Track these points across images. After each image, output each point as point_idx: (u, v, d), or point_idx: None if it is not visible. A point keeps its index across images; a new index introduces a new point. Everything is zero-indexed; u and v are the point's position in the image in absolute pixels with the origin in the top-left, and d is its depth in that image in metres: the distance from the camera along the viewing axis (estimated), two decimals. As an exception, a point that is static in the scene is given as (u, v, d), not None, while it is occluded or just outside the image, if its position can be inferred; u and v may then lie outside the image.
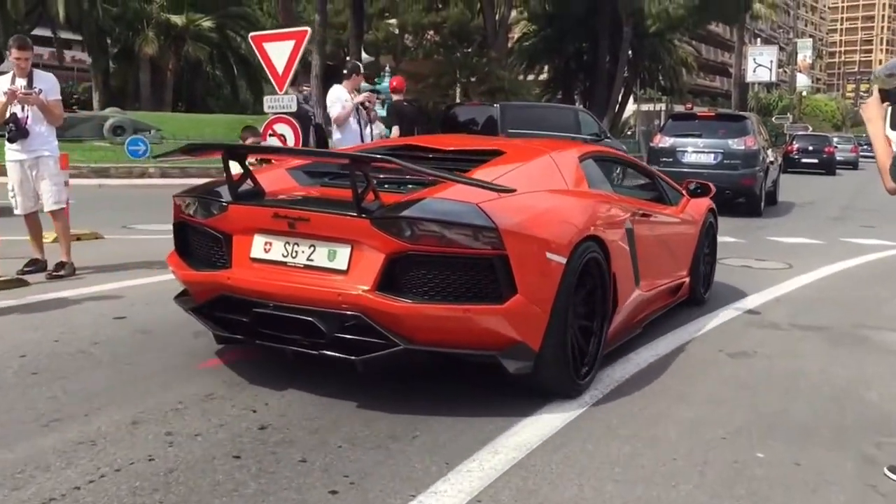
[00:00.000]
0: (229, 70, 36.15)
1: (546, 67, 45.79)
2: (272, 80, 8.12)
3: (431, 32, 47.82)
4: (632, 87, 45.03)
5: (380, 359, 3.49)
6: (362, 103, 8.58)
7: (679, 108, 44.05)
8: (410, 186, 4.03)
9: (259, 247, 3.77)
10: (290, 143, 8.03)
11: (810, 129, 49.07)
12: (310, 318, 3.53)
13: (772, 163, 14.91)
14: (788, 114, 58.09)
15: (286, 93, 8.07)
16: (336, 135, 8.59)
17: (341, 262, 3.55)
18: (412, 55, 46.76)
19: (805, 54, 64.98)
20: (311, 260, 3.63)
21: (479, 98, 27.01)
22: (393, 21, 46.21)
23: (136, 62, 31.21)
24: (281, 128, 8.05)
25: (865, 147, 44.66)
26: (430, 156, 4.64)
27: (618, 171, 5.92)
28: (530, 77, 45.36)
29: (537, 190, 4.06)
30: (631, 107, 50.04)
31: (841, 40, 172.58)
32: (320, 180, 4.31)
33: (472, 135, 7.01)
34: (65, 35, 29.98)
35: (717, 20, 45.67)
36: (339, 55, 40.50)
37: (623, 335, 4.60)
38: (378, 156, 3.95)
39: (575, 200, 4.23)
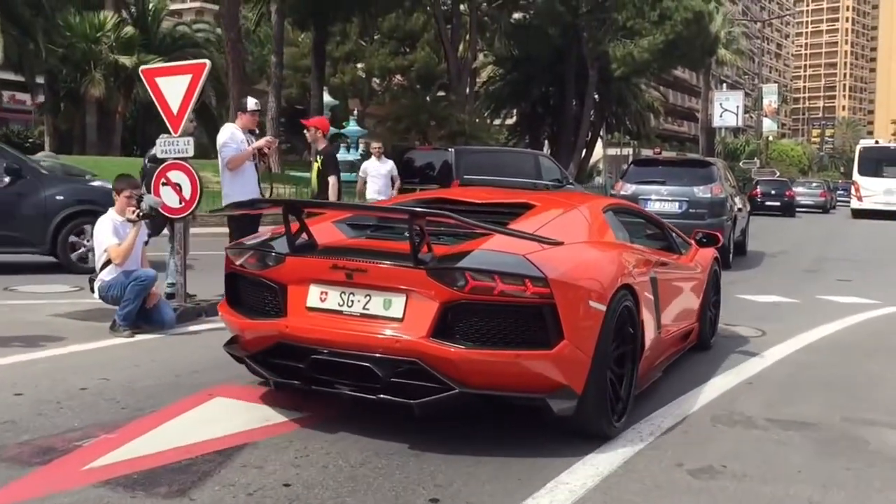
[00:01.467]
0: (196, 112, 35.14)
1: (513, 112, 45.26)
2: (165, 120, 7.00)
3: (399, 76, 47.33)
4: (599, 132, 44.55)
5: (436, 402, 3.68)
6: (261, 149, 7.48)
7: (647, 153, 43.74)
8: (450, 238, 4.20)
9: (315, 296, 3.98)
10: (187, 192, 6.88)
11: (777, 173, 48.93)
12: (367, 364, 3.74)
13: (740, 210, 14.06)
14: (756, 158, 58.13)
15: (183, 134, 6.94)
16: (227, 181, 7.41)
17: (397, 310, 3.78)
18: (379, 99, 46.13)
19: (770, 99, 65.36)
20: (367, 308, 3.84)
21: (437, 142, 26.14)
22: (360, 65, 45.66)
23: (81, 105, 29.97)
24: (176, 175, 6.91)
25: (842, 192, 44.44)
26: (463, 209, 4.73)
27: (632, 222, 5.85)
28: (496, 121, 44.78)
29: (573, 241, 4.31)
30: (599, 151, 49.61)
31: (804, 86, 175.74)
32: (363, 232, 4.52)
33: (496, 188, 7.05)
34: (3, 76, 28.71)
35: (681, 65, 45.50)
36: (305, 99, 39.69)
37: (647, 379, 4.79)
38: (435, 211, 4.11)
39: (609, 251, 4.52)
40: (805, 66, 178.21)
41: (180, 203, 6.94)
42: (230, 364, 5.27)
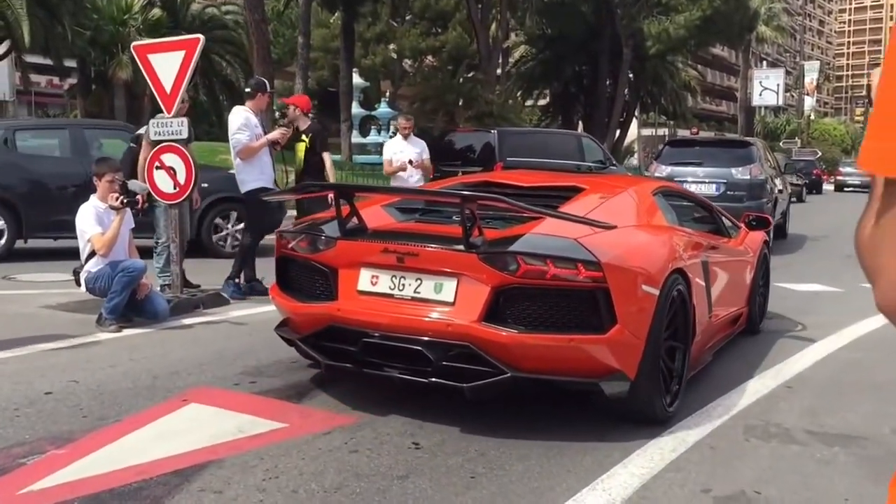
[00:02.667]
0: (213, 95, 34.74)
1: (546, 92, 44.33)
2: (158, 99, 6.58)
3: (430, 57, 46.63)
4: (633, 111, 43.48)
5: (488, 386, 3.66)
6: (277, 140, 7.09)
7: (683, 133, 42.65)
8: (499, 222, 4.21)
9: (366, 280, 3.97)
10: (182, 176, 6.47)
11: (819, 154, 47.57)
12: (418, 347, 3.73)
13: (780, 192, 13.35)
14: (796, 138, 56.58)
15: (176, 115, 6.51)
16: (242, 167, 7.03)
17: (448, 294, 3.76)
18: (411, 80, 45.51)
19: (812, 77, 63.53)
20: (418, 292, 3.83)
21: (465, 123, 25.55)
22: (391, 46, 45.09)
23: (110, 88, 29.81)
24: (170, 159, 6.49)
25: None
26: (511, 193, 4.63)
27: (681, 205, 5.75)
28: (529, 102, 43.91)
29: (625, 225, 4.23)
30: (634, 131, 48.52)
31: (847, 64, 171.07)
32: (412, 216, 4.54)
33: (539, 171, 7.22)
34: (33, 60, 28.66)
35: (719, 42, 44.15)
36: (336, 81, 39.19)
37: (698, 364, 4.70)
38: (487, 194, 4.16)
39: (660, 235, 4.48)
40: (848, 42, 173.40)
41: (175, 188, 6.53)
42: (216, 362, 4.91)
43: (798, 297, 8.05)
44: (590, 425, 3.95)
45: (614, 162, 16.36)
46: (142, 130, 7.26)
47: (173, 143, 6.49)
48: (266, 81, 7.26)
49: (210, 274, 7.53)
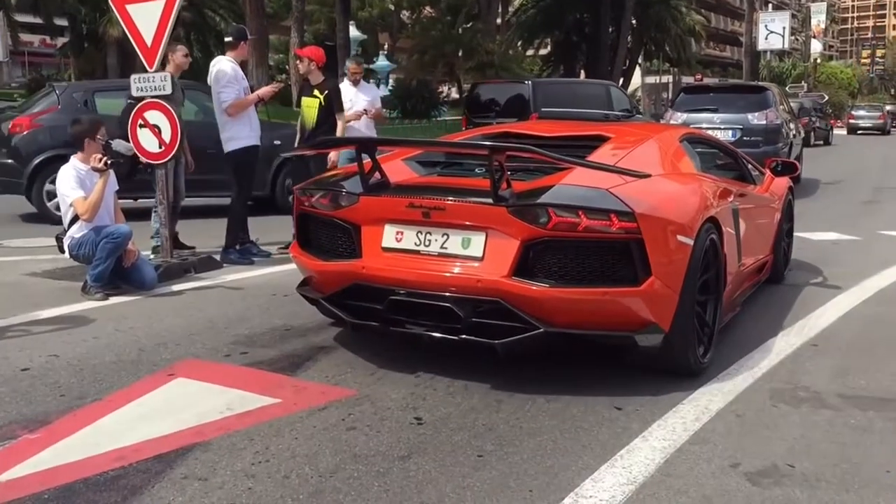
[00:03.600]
0: (208, 51, 34.08)
1: (546, 41, 43.38)
2: (139, 52, 6.20)
3: (428, 7, 45.67)
4: (637, 59, 42.62)
5: (520, 342, 3.56)
6: (262, 98, 6.72)
7: (688, 80, 41.81)
8: (522, 173, 4.03)
9: (390, 236, 3.84)
10: (167, 135, 6.12)
11: (826, 98, 46.81)
12: (447, 304, 3.62)
13: (794, 137, 13.47)
14: (803, 82, 55.64)
15: (158, 69, 6.15)
16: (230, 124, 6.67)
17: (476, 249, 3.65)
18: (409, 32, 44.63)
19: (819, 19, 62.33)
20: (445, 248, 3.72)
21: (465, 74, 25.00)
22: (389, -3, 44.20)
23: (102, 46, 29.20)
24: (154, 116, 6.14)
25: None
26: (534, 143, 4.33)
27: (706, 152, 5.57)
28: (530, 52, 43.05)
29: (654, 174, 4.09)
30: (637, 79, 47.67)
31: (853, 5, 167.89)
32: (434, 170, 4.41)
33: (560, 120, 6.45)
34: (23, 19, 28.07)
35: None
36: (334, 35, 38.39)
37: (727, 314, 4.57)
38: (516, 145, 4.08)
39: (692, 183, 4.34)
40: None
41: (160, 147, 6.18)
42: (206, 332, 4.65)
43: (815, 248, 7.73)
44: (605, 394, 3.68)
45: (640, 110, 16.27)
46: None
47: (157, 100, 6.13)
48: (246, 28, 6.85)
49: (280, 232, 7.51)
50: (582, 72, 42.25)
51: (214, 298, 5.59)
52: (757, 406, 3.55)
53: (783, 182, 6.33)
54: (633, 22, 37.88)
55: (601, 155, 4.26)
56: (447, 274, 3.67)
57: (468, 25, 33.67)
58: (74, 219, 5.57)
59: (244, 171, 6.80)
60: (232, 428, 3.25)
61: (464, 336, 3.64)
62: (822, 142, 30.39)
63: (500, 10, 36.54)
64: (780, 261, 6.13)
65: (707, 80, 40.77)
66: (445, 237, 3.73)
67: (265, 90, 6.74)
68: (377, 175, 4.00)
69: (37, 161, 9.09)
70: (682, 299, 3.68)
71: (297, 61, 7.51)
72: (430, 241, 3.77)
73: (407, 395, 3.65)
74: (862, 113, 41.99)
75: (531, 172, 4.06)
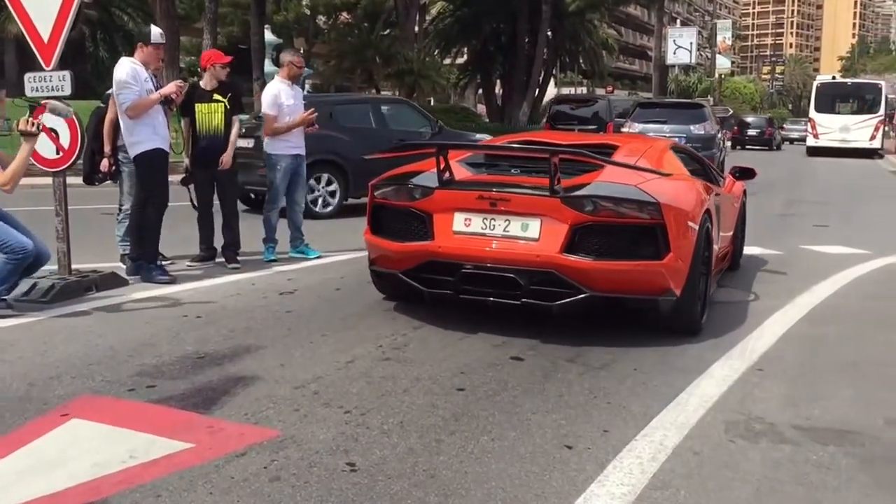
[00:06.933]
0: (115, 51, 32.69)
1: (464, 50, 43.39)
2: (35, 49, 5.64)
3: (345, 13, 45.06)
4: (552, 70, 43.09)
5: (571, 304, 4.56)
6: (167, 97, 6.20)
7: (600, 92, 42.49)
8: (562, 173, 4.72)
9: (460, 222, 4.76)
10: (65, 140, 5.58)
11: (731, 111, 48.35)
12: (511, 275, 4.58)
13: (722, 144, 17.39)
14: (709, 96, 57.41)
15: (56, 68, 5.60)
16: (131, 127, 6.13)
17: (533, 231, 4.60)
18: (325, 37, 43.91)
19: (725, 36, 64.50)
20: (507, 231, 4.66)
21: (384, 81, 24.64)
22: (304, 1, 43.38)
23: (0, 43, 27.56)
24: (51, 120, 5.57)
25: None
26: (553, 149, 4.96)
27: (685, 158, 6.32)
28: (447, 60, 42.97)
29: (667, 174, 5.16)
30: (552, 90, 48.21)
31: (753, 24, 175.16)
32: (481, 169, 5.29)
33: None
34: None
35: (637, -1, 44.00)
36: (248, 38, 37.37)
37: (712, 288, 5.63)
38: (572, 149, 5.10)
39: (692, 182, 5.36)
40: (754, 3, 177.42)
41: (58, 153, 5.63)
42: (107, 361, 4.18)
43: (742, 262, 7.69)
44: (552, 429, 3.40)
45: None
46: (110, 91, 6.41)
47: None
48: (150, 32, 6.31)
49: (188, 245, 7.15)
50: (498, 81, 42.51)
51: (117, 322, 5.08)
52: (714, 441, 3.33)
53: (740, 185, 7.40)
54: (549, 34, 38.24)
55: (621, 159, 5.18)
56: (511, 251, 4.60)
57: (386, 32, 33.28)
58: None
59: (152, 177, 6.23)
60: (135, 482, 2.82)
61: (524, 300, 4.59)
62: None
63: (417, 17, 36.26)
64: (738, 252, 7.28)
65: (617, 93, 41.69)
66: (507, 222, 4.66)
67: (168, 88, 6.22)
68: (447, 173, 4.83)
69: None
70: (690, 271, 4.74)
71: (212, 69, 6.94)
72: (494, 225, 4.69)
73: (336, 435, 3.28)
74: (791, 126, 44.45)
75: (567, 172, 4.80)
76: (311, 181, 9.98)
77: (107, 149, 6.51)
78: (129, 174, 6.48)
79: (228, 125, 6.79)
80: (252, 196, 10.68)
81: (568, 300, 4.52)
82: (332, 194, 10.53)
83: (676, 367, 4.34)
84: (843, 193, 15.94)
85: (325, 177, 10.44)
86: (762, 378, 4.20)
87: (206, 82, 6.86)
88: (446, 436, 3.30)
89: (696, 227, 4.80)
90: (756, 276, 7.08)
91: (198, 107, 6.75)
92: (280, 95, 7.24)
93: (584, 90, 51.42)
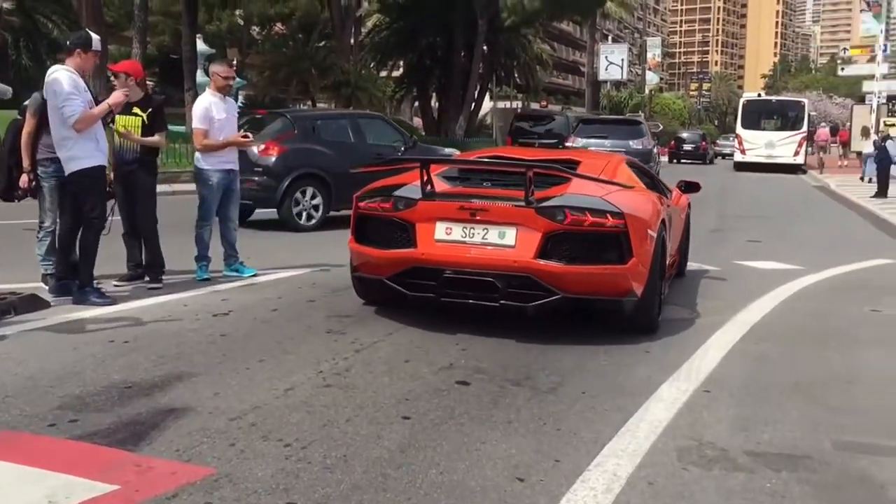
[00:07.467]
0: (39, 59, 31.56)
1: (400, 63, 43.33)
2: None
3: (279, 24, 44.52)
4: (488, 84, 43.36)
5: (544, 305, 5.01)
6: (113, 109, 5.90)
7: (535, 106, 42.89)
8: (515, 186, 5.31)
9: (441, 231, 5.15)
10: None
11: (661, 127, 49.33)
12: (490, 279, 4.99)
13: (658, 158, 18.92)
14: (640, 111, 58.55)
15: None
16: (72, 141, 5.78)
17: (510, 239, 5.01)
18: (260, 48, 43.30)
19: (654, 53, 66.02)
20: (486, 239, 5.06)
21: (320, 93, 24.38)
22: (238, 11, 42.72)
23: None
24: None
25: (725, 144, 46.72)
26: (520, 163, 5.63)
27: (637, 173, 6.64)
28: (383, 73, 42.82)
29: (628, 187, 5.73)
30: (488, 104, 48.50)
31: (680, 41, 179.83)
32: (456, 182, 5.72)
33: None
34: None
35: (571, 13, 44.49)
36: (180, 47, 36.57)
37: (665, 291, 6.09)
38: (547, 164, 5.58)
39: (649, 194, 5.93)
40: (681, 21, 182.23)
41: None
42: (26, 393, 3.89)
43: (680, 279, 7.74)
44: (501, 460, 3.27)
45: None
46: (28, 101, 6.09)
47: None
48: (91, 37, 5.99)
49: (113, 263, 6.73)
50: (434, 94, 42.53)
51: (37, 348, 4.75)
52: (667, 470, 3.25)
53: (685, 198, 7.85)
54: (485, 48, 38.47)
55: (585, 173, 5.60)
56: (489, 257, 4.99)
57: (321, 44, 32.98)
58: None
59: (90, 195, 5.86)
60: (55, 531, 2.58)
61: (502, 302, 4.99)
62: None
63: (353, 30, 36.06)
64: (684, 261, 7.77)
65: (550, 107, 42.22)
66: (486, 231, 5.05)
67: (115, 98, 5.89)
68: (429, 186, 5.24)
69: None
70: (650, 274, 5.20)
71: (113, 78, 6.60)
72: (473, 233, 5.08)
73: (276, 471, 3.09)
74: (723, 142, 46.13)
75: (538, 185, 5.16)
76: (297, 194, 10.45)
77: (26, 164, 6.11)
78: (50, 189, 6.10)
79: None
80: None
81: (542, 301, 4.95)
82: (316, 207, 10.67)
83: (625, 389, 4.27)
84: (771, 208, 16.36)
85: (309, 190, 10.61)
86: (710, 400, 4.16)
87: (132, 94, 6.53)
88: (393, 470, 3.14)
89: (655, 235, 5.29)
90: (696, 292, 7.11)
91: (117, 118, 6.44)
92: (211, 109, 6.98)
93: (519, 105, 51.89)
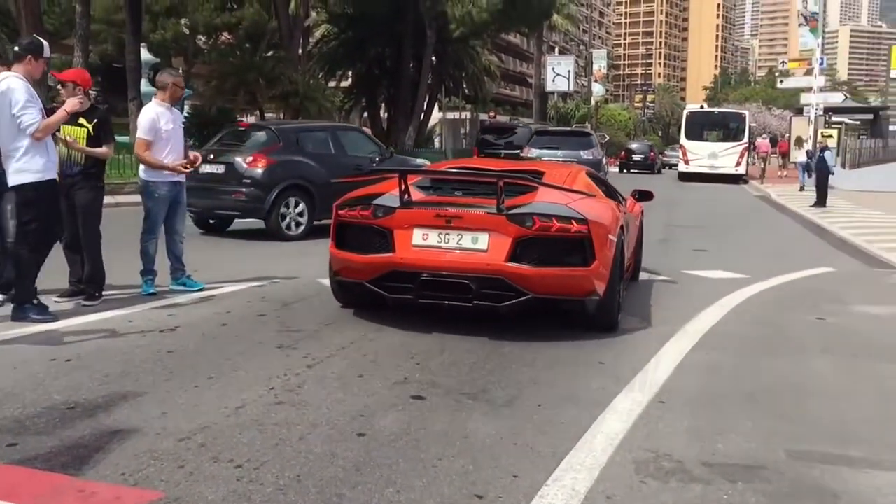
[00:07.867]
0: (-26, 68, 30.78)
1: (349, 73, 43.16)
2: None
3: (226, 34, 43.97)
4: (437, 95, 43.48)
5: (515, 305, 5.36)
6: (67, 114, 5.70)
7: (483, 117, 43.15)
8: (482, 195, 5.74)
9: (419, 237, 5.47)
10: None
11: (607, 137, 50.01)
12: (465, 281, 5.32)
13: (607, 168, 20.42)
14: (587, 122, 59.29)
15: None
16: (24, 151, 5.55)
17: (482, 244, 5.37)
18: (206, 57, 42.70)
19: (600, 64, 67.02)
20: (460, 244, 5.41)
21: (269, 103, 24.14)
22: (183, 20, 42.05)
23: None
24: None
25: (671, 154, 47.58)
26: (489, 174, 6.12)
27: (596, 182, 7.05)
28: (332, 83, 42.60)
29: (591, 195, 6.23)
30: (437, 115, 48.64)
31: (625, 54, 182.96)
32: (430, 191, 6.11)
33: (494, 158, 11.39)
34: None
35: (519, 25, 44.90)
36: (123, 56, 35.81)
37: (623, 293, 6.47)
38: (517, 175, 6.00)
39: (608, 202, 6.39)
40: (625, 34, 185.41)
41: None
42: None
43: (630, 288, 7.79)
44: (459, 476, 3.22)
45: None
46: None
47: None
48: (41, 43, 5.77)
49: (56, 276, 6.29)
50: (383, 105, 42.47)
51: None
52: (625, 484, 3.23)
53: (640, 206, 8.23)
54: (434, 59, 38.58)
55: (551, 182, 5.97)
56: (463, 261, 5.33)
57: (269, 54, 32.64)
58: None
59: (30, 209, 5.62)
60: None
61: (475, 302, 5.32)
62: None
63: (302, 40, 35.81)
64: (638, 266, 8.14)
65: (499, 118, 42.54)
66: (460, 236, 5.39)
67: (71, 105, 5.68)
68: (406, 195, 5.54)
69: None
70: (611, 276, 5.58)
71: (60, 87, 6.41)
72: (448, 239, 5.41)
73: (227, 494, 2.99)
74: (670, 153, 46.37)
75: (507, 193, 5.47)
76: (283, 205, 10.71)
77: None
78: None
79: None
80: (211, 221, 11.31)
81: (513, 301, 5.30)
82: (301, 216, 10.91)
83: (580, 401, 4.26)
84: (715, 218, 16.67)
85: (293, 200, 10.83)
86: (664, 411, 4.17)
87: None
88: (348, 489, 3.07)
89: (615, 240, 5.70)
90: (646, 301, 7.17)
91: (62, 128, 6.23)
92: (158, 119, 6.81)
93: (468, 115, 52.13)
